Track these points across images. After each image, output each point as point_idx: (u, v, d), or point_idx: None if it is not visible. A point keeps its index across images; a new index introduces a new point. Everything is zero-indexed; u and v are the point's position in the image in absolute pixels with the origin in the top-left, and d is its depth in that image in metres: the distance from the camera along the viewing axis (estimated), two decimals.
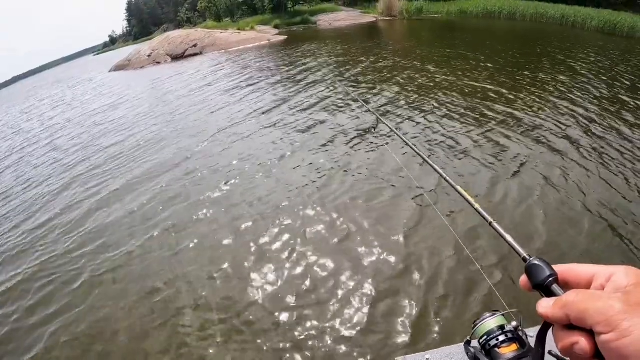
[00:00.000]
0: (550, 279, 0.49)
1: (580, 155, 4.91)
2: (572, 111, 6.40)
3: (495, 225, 0.69)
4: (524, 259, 0.55)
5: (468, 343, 0.74)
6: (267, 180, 5.24)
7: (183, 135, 8.09)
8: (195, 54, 24.90)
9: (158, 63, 25.44)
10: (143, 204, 5.31)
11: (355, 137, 6.10)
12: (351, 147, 5.82)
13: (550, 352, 0.58)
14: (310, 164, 5.47)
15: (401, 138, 1.62)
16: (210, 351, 2.85)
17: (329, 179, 4.99)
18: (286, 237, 3.99)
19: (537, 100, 7.07)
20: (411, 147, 1.43)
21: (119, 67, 29.05)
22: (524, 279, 0.53)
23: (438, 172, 1.09)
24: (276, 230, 4.13)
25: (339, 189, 4.72)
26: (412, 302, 2.98)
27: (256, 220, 4.36)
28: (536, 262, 0.51)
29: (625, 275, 0.43)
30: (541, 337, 0.52)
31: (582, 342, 0.41)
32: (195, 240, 4.22)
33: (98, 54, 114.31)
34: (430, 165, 1.14)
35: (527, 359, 0.63)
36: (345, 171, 5.14)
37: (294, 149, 6.14)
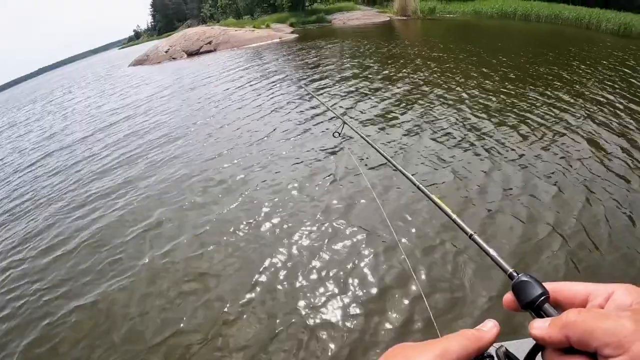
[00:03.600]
0: (542, 298, 0.45)
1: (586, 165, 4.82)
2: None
3: (477, 238, 0.64)
4: (510, 276, 0.50)
5: None
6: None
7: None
8: (209, 51, 25.55)
9: (174, 59, 26.21)
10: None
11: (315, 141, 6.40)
12: (317, 149, 6.16)
13: None
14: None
15: (372, 145, 1.43)
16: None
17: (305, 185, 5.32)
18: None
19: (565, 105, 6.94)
20: (385, 157, 1.28)
21: (138, 62, 30.03)
22: (509, 297, 0.48)
23: (411, 180, 0.99)
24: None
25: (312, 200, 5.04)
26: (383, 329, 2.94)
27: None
28: (525, 278, 0.47)
29: (627, 293, 0.40)
30: None
31: None
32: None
33: (122, 47, 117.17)
34: (403, 173, 1.04)
35: None
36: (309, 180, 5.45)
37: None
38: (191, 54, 25.88)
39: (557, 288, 0.46)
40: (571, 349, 0.39)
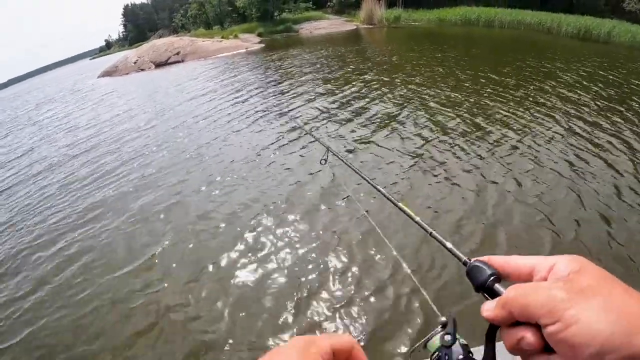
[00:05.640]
0: (492, 279, 0.47)
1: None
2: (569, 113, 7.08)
3: (436, 234, 0.69)
4: (465, 264, 0.54)
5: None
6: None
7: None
8: (177, 62, 25.93)
9: (142, 70, 26.45)
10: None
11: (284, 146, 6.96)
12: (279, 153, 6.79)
13: None
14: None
15: (341, 159, 1.56)
16: None
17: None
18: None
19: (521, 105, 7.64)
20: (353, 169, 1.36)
21: (107, 73, 30.03)
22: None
23: (371, 184, 1.10)
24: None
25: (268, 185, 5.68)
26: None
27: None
28: (476, 264, 0.50)
29: (567, 264, 0.41)
30: (490, 340, 0.48)
31: (528, 337, 0.39)
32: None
33: (94, 57, 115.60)
34: (366, 179, 1.14)
35: None
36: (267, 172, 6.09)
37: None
38: (159, 65, 26.20)
39: (503, 263, 0.47)
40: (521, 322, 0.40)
